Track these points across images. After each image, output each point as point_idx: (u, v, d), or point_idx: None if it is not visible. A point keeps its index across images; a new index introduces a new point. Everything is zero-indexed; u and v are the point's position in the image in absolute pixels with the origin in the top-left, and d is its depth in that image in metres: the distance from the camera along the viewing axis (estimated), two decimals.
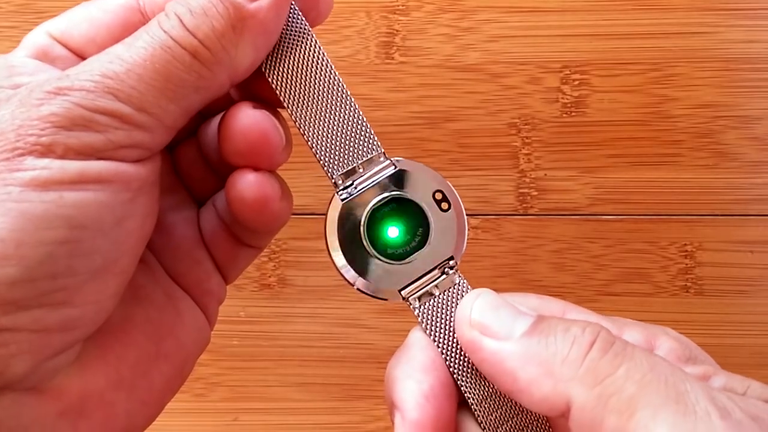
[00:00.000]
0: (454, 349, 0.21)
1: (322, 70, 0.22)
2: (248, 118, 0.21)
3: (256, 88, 0.22)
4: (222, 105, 0.23)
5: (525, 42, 0.35)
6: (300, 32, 0.21)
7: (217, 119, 0.24)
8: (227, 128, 0.21)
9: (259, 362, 0.36)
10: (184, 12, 0.19)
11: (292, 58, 0.22)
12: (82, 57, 0.21)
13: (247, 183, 0.21)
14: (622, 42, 0.35)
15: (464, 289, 0.22)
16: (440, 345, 0.21)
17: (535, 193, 0.36)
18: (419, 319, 0.21)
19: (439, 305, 0.21)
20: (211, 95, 0.20)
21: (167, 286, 0.23)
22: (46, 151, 0.17)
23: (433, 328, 0.21)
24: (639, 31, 0.35)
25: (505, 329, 0.19)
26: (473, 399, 0.21)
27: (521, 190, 0.36)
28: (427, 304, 0.21)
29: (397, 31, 0.35)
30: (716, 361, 0.20)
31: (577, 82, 0.35)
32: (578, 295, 0.36)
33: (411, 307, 0.22)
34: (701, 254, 0.36)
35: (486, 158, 0.35)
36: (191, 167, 0.24)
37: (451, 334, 0.21)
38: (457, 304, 0.21)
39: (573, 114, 0.35)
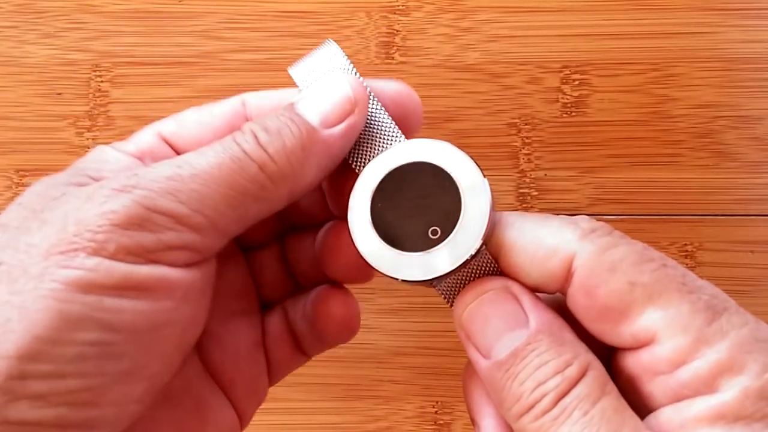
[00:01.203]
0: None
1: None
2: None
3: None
4: (314, 219, 0.25)
5: (525, 42, 0.35)
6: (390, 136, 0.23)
7: (310, 233, 0.25)
8: (336, 247, 0.23)
9: None
10: (259, 129, 0.20)
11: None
12: None
13: (340, 301, 0.23)
14: (622, 42, 0.35)
15: (486, 259, 0.21)
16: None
17: (535, 193, 0.36)
18: (439, 291, 0.21)
19: (459, 278, 0.21)
20: (269, 208, 0.21)
21: (201, 390, 0.23)
22: (99, 248, 0.18)
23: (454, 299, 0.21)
24: (639, 31, 0.35)
25: (486, 344, 0.20)
26: None
27: (521, 190, 0.36)
28: (450, 280, 0.21)
29: (397, 31, 0.35)
30: None
31: (577, 82, 0.35)
32: None
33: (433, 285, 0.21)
34: (701, 254, 0.36)
35: (486, 158, 0.35)
36: (268, 273, 0.25)
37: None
38: (480, 275, 0.21)
39: (573, 114, 0.35)
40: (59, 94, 0.36)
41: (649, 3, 0.35)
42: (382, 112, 0.23)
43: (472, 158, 0.22)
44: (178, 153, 0.22)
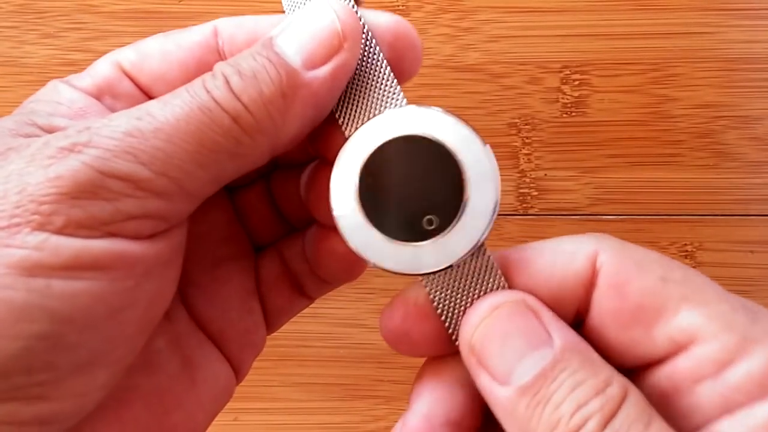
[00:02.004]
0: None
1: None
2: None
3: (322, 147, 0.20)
4: (300, 158, 0.22)
5: (525, 42, 0.35)
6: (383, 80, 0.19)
7: (296, 171, 0.22)
8: (315, 187, 0.20)
9: (259, 362, 0.36)
10: (231, 73, 0.17)
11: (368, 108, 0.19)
12: (149, 95, 0.20)
13: (340, 238, 0.19)
14: (623, 42, 0.35)
15: (485, 261, 0.18)
16: (448, 321, 0.18)
17: (536, 193, 0.36)
18: (427, 289, 0.19)
19: (454, 279, 0.18)
20: (247, 165, 0.18)
21: (189, 348, 0.21)
22: (44, 222, 0.15)
23: (443, 302, 0.18)
24: (639, 31, 0.35)
25: (505, 369, 0.17)
26: None
27: (521, 190, 0.36)
28: (440, 276, 0.18)
29: None
30: None
31: (577, 82, 0.35)
32: None
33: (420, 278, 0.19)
34: (701, 254, 0.36)
35: None
36: (256, 213, 0.23)
37: (464, 308, 0.18)
38: (476, 283, 0.18)
39: (573, 114, 0.35)
40: None
41: (649, 3, 0.35)
42: (377, 53, 0.19)
43: (483, 140, 0.19)
44: (140, 88, 0.20)
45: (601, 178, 0.35)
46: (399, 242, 0.18)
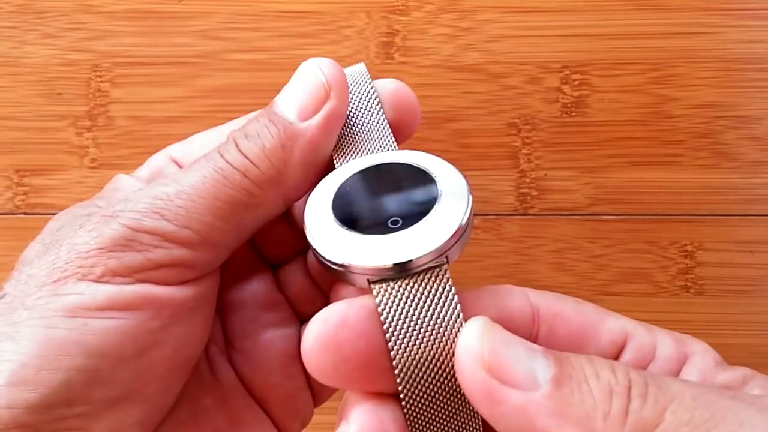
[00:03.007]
0: (409, 350, 0.17)
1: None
2: None
3: None
4: None
5: (525, 42, 0.35)
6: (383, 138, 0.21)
7: None
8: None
9: None
10: (240, 136, 0.20)
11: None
12: None
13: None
14: (622, 42, 0.35)
15: (444, 284, 0.17)
16: (394, 339, 0.17)
17: (535, 193, 0.36)
18: (377, 300, 0.17)
19: (406, 292, 0.17)
20: (264, 214, 0.20)
21: (237, 407, 0.22)
22: (87, 273, 0.18)
23: (391, 317, 0.17)
24: (639, 31, 0.35)
25: (527, 376, 0.16)
26: (412, 415, 0.17)
27: (521, 190, 0.36)
28: (389, 285, 0.17)
29: (397, 31, 0.35)
30: None
31: (577, 82, 0.35)
32: (578, 296, 0.36)
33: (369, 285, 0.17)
34: (701, 254, 0.36)
35: (486, 158, 0.35)
36: (297, 286, 0.24)
37: (412, 329, 0.17)
38: (433, 300, 0.17)
39: (573, 114, 0.35)
40: (59, 94, 0.35)
41: (649, 3, 0.35)
42: (379, 112, 0.22)
43: (463, 175, 0.19)
44: None
45: (601, 178, 0.35)
46: (360, 233, 0.18)
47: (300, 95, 0.21)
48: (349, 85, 0.21)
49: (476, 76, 0.35)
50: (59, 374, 0.17)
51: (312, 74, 0.21)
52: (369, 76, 0.22)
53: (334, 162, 0.21)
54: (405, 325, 0.17)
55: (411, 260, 0.17)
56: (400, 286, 0.17)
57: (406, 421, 0.17)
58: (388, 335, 0.17)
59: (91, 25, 0.35)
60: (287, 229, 0.24)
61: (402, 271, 0.17)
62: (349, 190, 0.20)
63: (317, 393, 0.24)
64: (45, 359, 0.17)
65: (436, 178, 0.19)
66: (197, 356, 0.21)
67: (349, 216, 0.19)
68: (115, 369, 0.18)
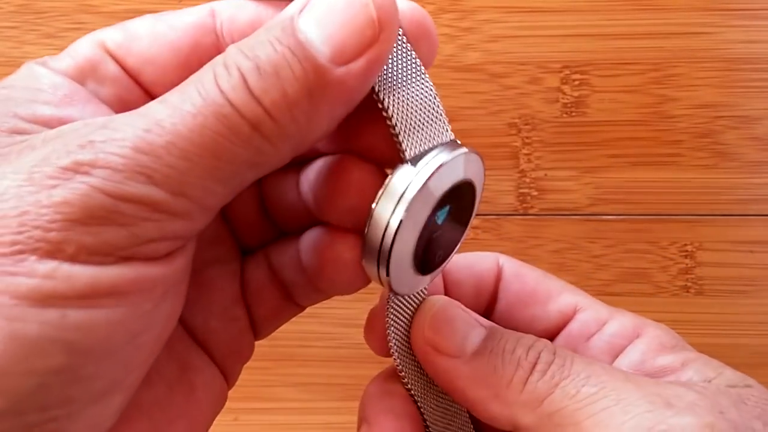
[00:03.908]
0: (403, 341, 0.21)
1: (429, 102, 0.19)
2: (364, 173, 0.18)
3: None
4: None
5: (525, 42, 0.35)
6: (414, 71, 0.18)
7: (292, 172, 0.20)
8: (339, 182, 0.18)
9: (259, 362, 0.36)
10: (249, 69, 0.15)
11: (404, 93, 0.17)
12: (136, 79, 0.18)
13: (350, 245, 0.18)
14: (622, 42, 0.35)
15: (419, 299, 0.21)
16: (392, 333, 0.20)
17: (536, 193, 0.36)
18: (390, 304, 0.20)
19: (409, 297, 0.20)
20: (266, 172, 0.16)
21: (184, 354, 0.20)
22: (53, 250, 0.14)
23: (390, 313, 0.20)
24: (639, 31, 0.35)
25: (456, 345, 0.20)
26: (417, 394, 0.21)
27: (521, 190, 0.36)
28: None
29: None
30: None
31: (577, 82, 0.35)
32: None
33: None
34: (701, 254, 0.36)
35: (486, 158, 0.35)
36: (244, 215, 0.21)
37: (401, 325, 0.21)
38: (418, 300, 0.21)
39: (573, 114, 0.35)
40: None
41: (649, 3, 0.35)
42: (404, 43, 0.17)
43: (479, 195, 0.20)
44: (127, 71, 0.18)
45: (601, 178, 0.35)
46: (419, 274, 0.19)
47: (338, 26, 0.15)
48: None
49: (476, 76, 0.35)
50: (32, 378, 0.14)
51: (360, 4, 0.15)
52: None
53: (378, 105, 0.17)
54: (399, 321, 0.21)
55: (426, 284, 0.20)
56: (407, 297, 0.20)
57: (414, 402, 0.21)
58: (389, 335, 0.20)
59: (91, 25, 0.35)
60: None
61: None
62: (429, 231, 0.18)
63: (260, 331, 0.21)
64: (13, 361, 0.13)
65: (477, 201, 0.20)
66: (172, 330, 0.17)
67: (421, 258, 0.18)
68: (100, 364, 0.15)
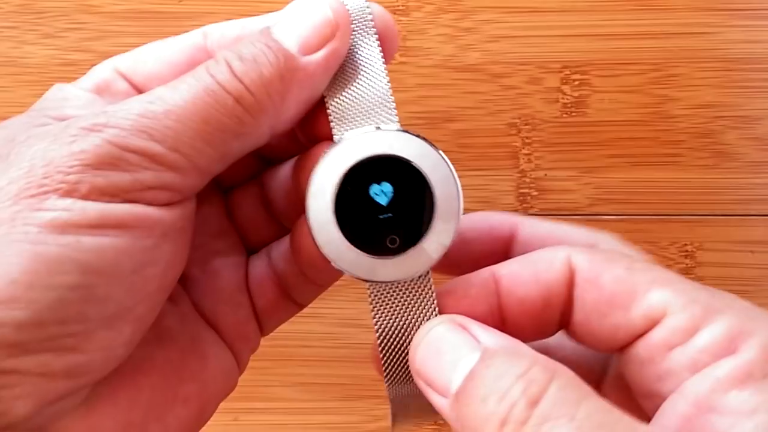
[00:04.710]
0: (394, 344, 0.20)
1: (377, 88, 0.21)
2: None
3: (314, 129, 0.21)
4: (289, 151, 0.23)
5: (525, 42, 0.35)
6: (372, 64, 0.21)
7: (287, 165, 0.23)
8: (304, 162, 0.21)
9: (259, 362, 0.36)
10: (233, 58, 0.19)
11: (353, 87, 0.21)
12: (142, 93, 0.21)
13: None
14: (623, 42, 0.35)
15: (427, 287, 0.20)
16: (380, 330, 0.20)
17: (536, 193, 0.36)
18: (370, 297, 0.20)
19: (395, 293, 0.20)
20: (251, 143, 0.20)
21: (196, 329, 0.22)
22: (71, 190, 0.17)
23: (380, 312, 0.20)
24: (639, 31, 0.35)
25: (443, 382, 0.18)
26: (391, 386, 0.20)
27: (521, 190, 0.36)
28: (384, 286, 0.20)
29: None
30: None
31: (577, 83, 0.35)
32: None
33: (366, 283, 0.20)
34: (702, 254, 0.36)
35: (486, 158, 0.35)
36: (248, 213, 0.24)
37: (397, 325, 0.20)
38: (414, 302, 0.20)
39: (573, 114, 0.35)
40: None
41: (649, 3, 0.35)
42: (374, 42, 0.21)
43: (457, 180, 0.20)
44: (136, 88, 0.21)
45: (601, 178, 0.35)
46: (361, 252, 0.20)
47: (303, 28, 0.20)
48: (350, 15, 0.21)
49: (476, 76, 0.35)
50: (52, 292, 0.16)
51: (320, 8, 0.20)
52: (369, 9, 0.21)
53: (326, 103, 0.21)
54: (391, 320, 0.20)
55: (398, 279, 0.20)
56: (389, 286, 0.20)
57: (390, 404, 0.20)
58: (377, 333, 0.20)
59: (91, 25, 0.35)
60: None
61: (392, 283, 0.20)
62: (351, 192, 0.20)
63: (263, 324, 0.24)
64: (36, 276, 0.16)
65: (434, 190, 0.20)
66: (178, 278, 0.20)
67: (352, 230, 0.20)
68: (111, 286, 0.17)
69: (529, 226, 0.22)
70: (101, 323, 0.17)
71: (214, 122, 0.18)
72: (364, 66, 0.21)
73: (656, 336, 0.19)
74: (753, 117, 0.35)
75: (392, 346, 0.20)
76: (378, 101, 0.20)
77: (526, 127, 0.35)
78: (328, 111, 0.21)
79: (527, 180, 0.36)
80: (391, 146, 0.20)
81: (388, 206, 0.20)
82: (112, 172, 0.17)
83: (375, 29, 0.21)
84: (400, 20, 0.35)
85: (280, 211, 0.24)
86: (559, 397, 0.16)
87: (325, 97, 0.21)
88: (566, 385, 0.17)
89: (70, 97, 0.20)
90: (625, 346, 0.19)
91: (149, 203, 0.18)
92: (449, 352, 0.19)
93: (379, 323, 0.20)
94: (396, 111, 0.21)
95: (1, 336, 0.16)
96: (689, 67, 0.35)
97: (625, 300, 0.19)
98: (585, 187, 0.36)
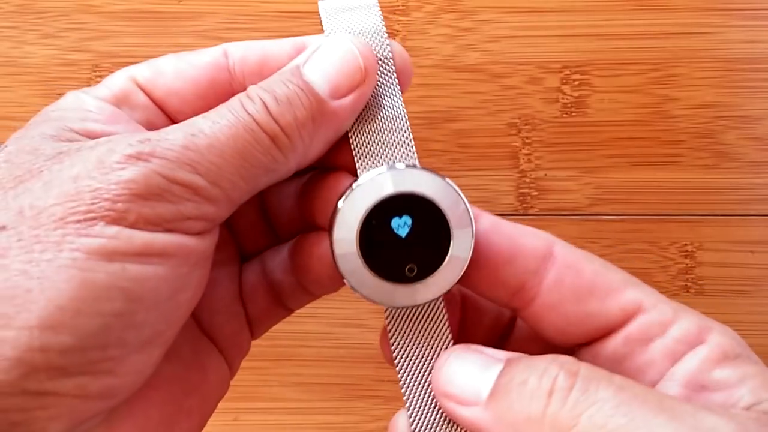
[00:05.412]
0: (413, 369, 0.22)
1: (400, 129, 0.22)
2: (338, 180, 0.22)
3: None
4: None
5: (525, 42, 0.35)
6: (391, 97, 0.22)
7: (292, 183, 0.24)
8: (320, 187, 0.22)
9: (258, 362, 0.36)
10: (269, 99, 0.20)
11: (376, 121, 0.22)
12: (162, 108, 0.22)
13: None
14: (623, 42, 0.35)
15: (439, 311, 0.22)
16: (398, 357, 0.22)
17: (536, 193, 0.36)
18: (387, 321, 0.22)
19: (411, 317, 0.22)
20: (277, 178, 0.21)
21: (195, 341, 0.23)
22: (118, 218, 0.18)
23: (398, 337, 0.22)
24: (639, 31, 0.35)
25: (472, 392, 0.20)
26: (414, 413, 0.21)
27: (521, 190, 0.36)
28: (401, 310, 0.22)
29: (397, 31, 0.35)
30: None
31: (577, 82, 0.35)
32: None
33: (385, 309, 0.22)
34: (701, 254, 0.36)
35: (486, 158, 0.35)
36: (247, 223, 0.25)
37: (412, 349, 0.22)
38: (429, 325, 0.22)
39: (573, 114, 0.35)
40: (59, 94, 0.36)
41: (649, 3, 0.35)
42: (395, 85, 0.22)
43: (472, 216, 0.21)
44: (154, 101, 0.22)
45: (601, 178, 0.35)
46: (383, 281, 0.21)
47: (334, 72, 0.21)
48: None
49: (476, 76, 0.35)
50: (98, 319, 0.17)
51: (350, 54, 0.21)
52: (389, 48, 0.22)
53: (350, 138, 0.22)
54: (408, 344, 0.22)
55: (414, 304, 0.22)
56: (405, 313, 0.22)
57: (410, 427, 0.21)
58: (394, 353, 0.22)
59: (91, 25, 0.35)
60: None
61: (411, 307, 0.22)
62: (375, 225, 0.21)
63: (255, 330, 0.25)
64: (84, 303, 0.17)
65: (450, 225, 0.21)
66: (198, 300, 0.21)
67: (375, 260, 0.21)
68: (149, 312, 0.18)
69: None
70: (137, 348, 0.18)
71: (251, 159, 0.19)
72: (386, 105, 0.22)
73: (633, 330, 0.20)
74: (753, 117, 0.35)
75: (410, 366, 0.22)
76: (399, 140, 0.22)
77: (526, 127, 0.35)
78: (351, 146, 0.22)
79: (527, 180, 0.36)
80: (415, 184, 0.21)
81: (406, 238, 0.21)
82: (158, 203, 0.18)
83: (395, 68, 0.22)
84: (400, 20, 0.35)
85: (278, 223, 0.25)
86: (593, 370, 0.18)
87: (349, 132, 0.22)
88: (593, 367, 0.19)
89: (91, 108, 0.21)
90: (591, 339, 0.21)
91: (185, 232, 0.19)
92: (473, 368, 0.20)
93: (395, 344, 0.22)
94: (414, 148, 0.22)
95: (46, 360, 0.16)
96: (689, 67, 0.35)
97: (602, 291, 0.21)
98: (585, 187, 0.36)
